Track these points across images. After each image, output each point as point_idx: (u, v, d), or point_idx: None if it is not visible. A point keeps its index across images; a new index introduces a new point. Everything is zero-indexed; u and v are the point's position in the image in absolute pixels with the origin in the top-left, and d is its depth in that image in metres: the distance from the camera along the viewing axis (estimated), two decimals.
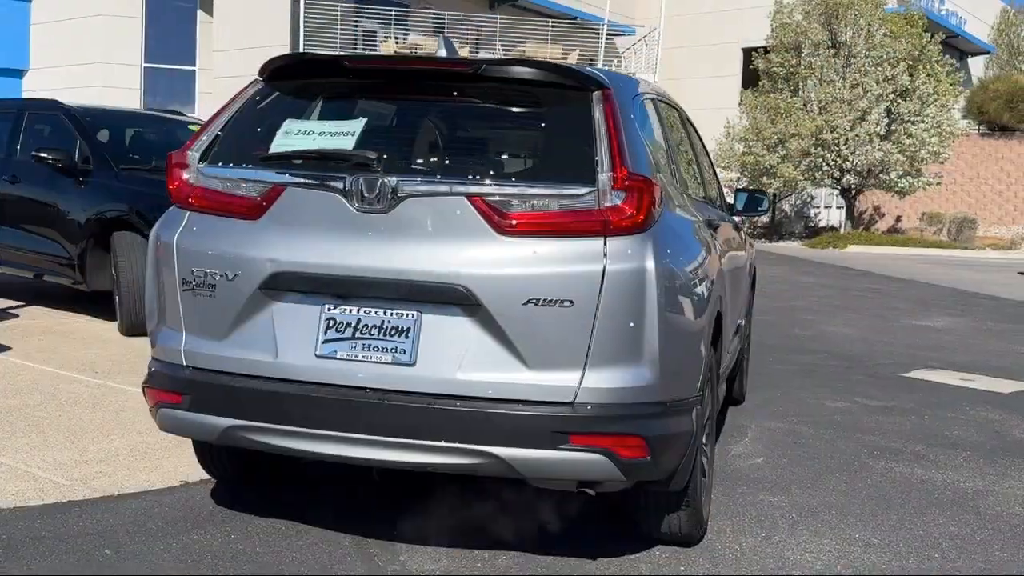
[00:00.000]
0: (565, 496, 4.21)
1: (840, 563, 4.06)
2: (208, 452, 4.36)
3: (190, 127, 9.99)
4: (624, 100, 3.72)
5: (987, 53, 42.79)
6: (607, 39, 30.22)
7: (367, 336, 3.48)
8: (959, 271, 21.08)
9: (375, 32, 30.10)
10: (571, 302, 3.34)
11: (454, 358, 3.40)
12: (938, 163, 30.60)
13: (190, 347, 3.70)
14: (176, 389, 3.71)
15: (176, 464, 4.88)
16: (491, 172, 3.51)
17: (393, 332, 3.46)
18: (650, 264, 3.39)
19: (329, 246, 3.51)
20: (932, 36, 29.56)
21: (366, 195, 3.47)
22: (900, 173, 29.43)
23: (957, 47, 39.50)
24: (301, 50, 25.98)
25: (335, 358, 3.50)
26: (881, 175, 29.77)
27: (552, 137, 3.60)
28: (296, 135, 3.71)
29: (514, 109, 3.70)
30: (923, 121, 29.48)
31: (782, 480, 5.16)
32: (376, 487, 4.58)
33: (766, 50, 30.55)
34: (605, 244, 3.39)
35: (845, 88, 29.38)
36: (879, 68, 29.17)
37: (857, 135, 29.11)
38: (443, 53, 4.01)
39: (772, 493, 4.93)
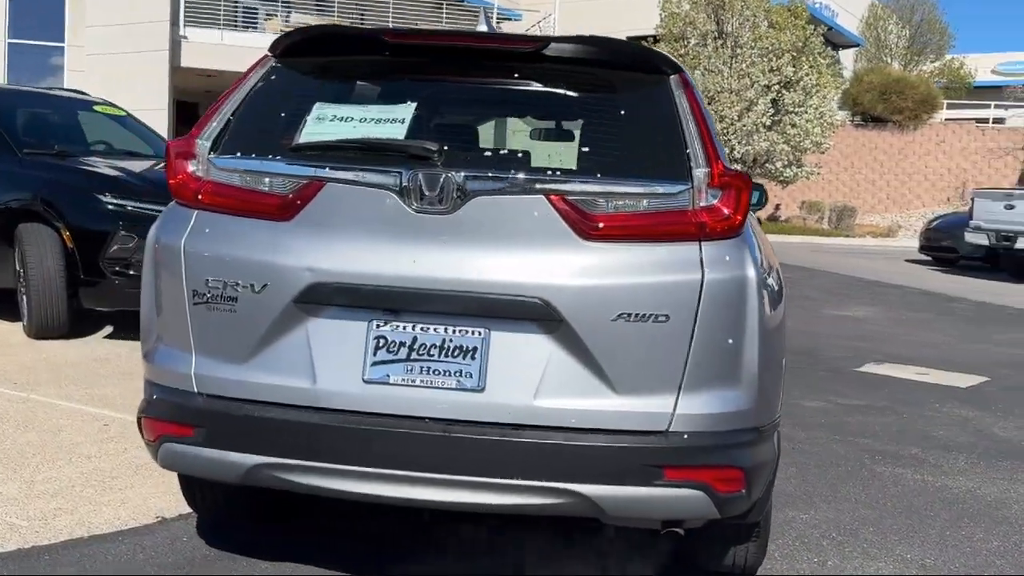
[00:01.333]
0: (602, 526, 3.79)
1: None
2: (197, 485, 3.77)
3: (96, 108, 9.14)
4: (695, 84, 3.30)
5: (857, 46, 44.01)
6: (496, 24, 29.79)
7: (425, 357, 2.97)
8: (849, 259, 21.51)
9: (256, 9, 28.96)
10: (666, 316, 2.91)
11: (530, 382, 2.93)
12: (819, 153, 31.26)
13: (202, 370, 3.12)
14: (187, 421, 3.13)
15: (143, 495, 4.26)
16: (570, 167, 3.03)
17: (457, 352, 2.96)
18: (751, 272, 2.99)
19: (379, 252, 2.98)
20: (815, 28, 30.14)
21: (427, 193, 2.95)
22: (785, 163, 29.92)
23: (831, 40, 40.57)
24: (182, 28, 24.77)
25: (387, 383, 2.98)
26: (767, 164, 30.21)
27: (630, 126, 3.14)
28: (331, 121, 3.16)
29: (584, 94, 3.23)
30: (806, 111, 30.02)
31: (803, 493, 4.85)
32: (384, 519, 4.06)
33: (655, 39, 30.61)
34: (701, 250, 2.96)
35: (732, 78, 29.67)
36: (765, 59, 29.54)
37: (744, 125, 29.45)
38: (483, 28, 3.50)
39: (800, 509, 4.61)
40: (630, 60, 3.16)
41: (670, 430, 2.94)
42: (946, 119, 38.88)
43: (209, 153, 3.17)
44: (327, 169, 3.02)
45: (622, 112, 3.15)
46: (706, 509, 3.00)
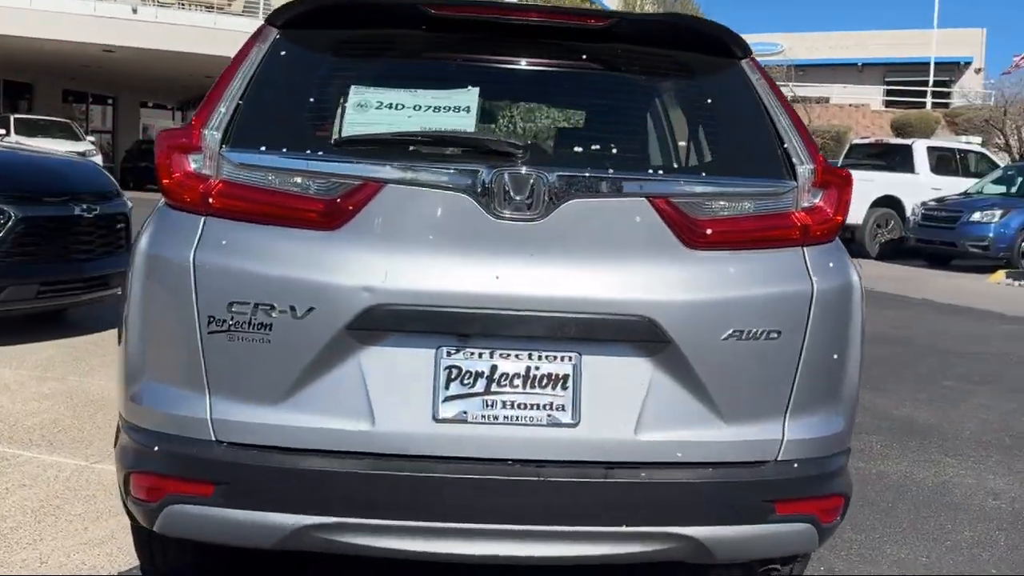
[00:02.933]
0: None
1: None
2: (159, 538, 3.13)
3: None
4: None
5: None
6: None
7: (508, 389, 2.52)
8: None
9: None
10: (778, 333, 2.60)
11: (629, 413, 2.55)
12: None
13: (223, 414, 2.54)
14: (205, 476, 2.53)
15: (63, 548, 3.56)
16: (671, 164, 2.64)
17: (545, 382, 2.53)
18: (855, 279, 2.73)
19: (453, 267, 2.50)
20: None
21: (514, 196, 2.49)
22: None
23: None
24: None
25: (464, 421, 2.51)
26: None
27: (717, 117, 2.79)
28: (377, 110, 2.62)
29: (660, 79, 2.85)
30: None
31: None
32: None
33: None
34: (805, 256, 2.67)
35: None
36: None
37: None
38: None
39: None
40: (709, 41, 2.80)
41: (779, 459, 2.64)
42: None
43: (221, 146, 2.56)
44: (387, 168, 2.50)
45: (708, 101, 2.81)
46: (810, 543, 2.73)
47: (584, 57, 2.78)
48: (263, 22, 2.81)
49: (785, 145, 2.69)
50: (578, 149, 2.69)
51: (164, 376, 2.59)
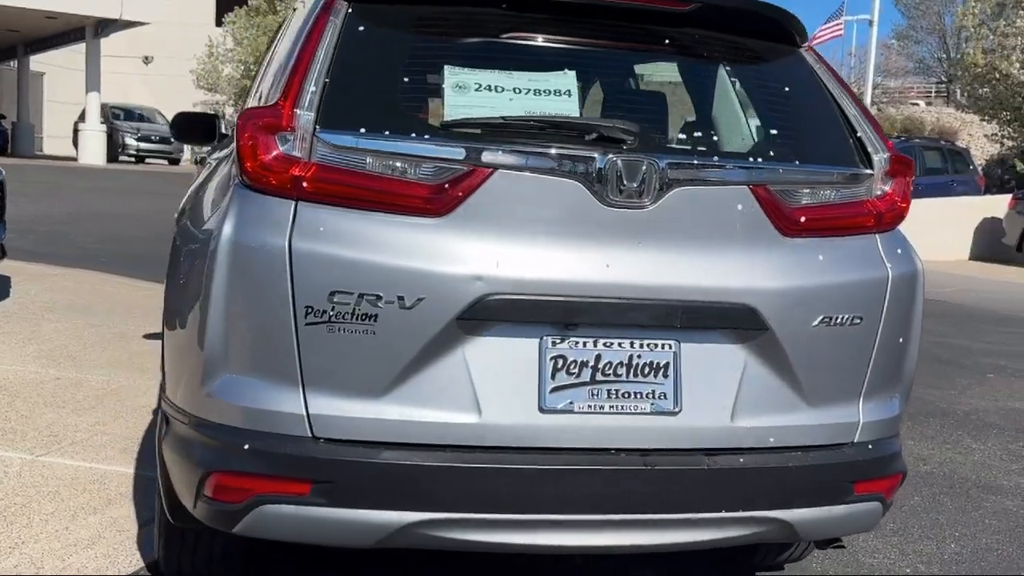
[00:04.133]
0: None
1: None
2: (191, 539, 2.96)
3: None
4: None
5: None
6: None
7: (612, 378, 2.49)
8: None
9: None
10: (860, 318, 2.66)
11: (726, 400, 2.56)
12: None
13: (321, 409, 2.39)
14: (301, 475, 2.39)
15: (44, 551, 3.30)
16: (766, 152, 2.64)
17: (647, 370, 2.51)
18: (919, 265, 2.82)
19: (564, 255, 2.43)
20: None
21: (625, 183, 2.44)
22: None
23: None
24: None
25: (571, 411, 2.46)
26: None
27: (792, 104, 2.81)
28: (477, 91, 2.51)
29: (736, 64, 2.84)
30: None
31: None
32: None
33: None
34: (878, 243, 2.74)
35: None
36: None
37: None
38: None
39: None
40: (778, 27, 2.81)
41: (856, 441, 2.72)
42: None
43: (315, 127, 2.40)
44: (499, 153, 2.40)
45: (782, 88, 2.83)
46: (876, 520, 2.84)
47: (667, 41, 2.75)
48: None
49: (858, 134, 2.75)
50: (681, 136, 2.66)
51: (252, 370, 2.42)
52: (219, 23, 36.47)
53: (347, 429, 2.40)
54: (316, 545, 2.72)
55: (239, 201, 2.46)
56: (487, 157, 2.40)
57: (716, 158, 2.54)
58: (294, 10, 3.70)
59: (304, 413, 2.40)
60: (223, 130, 4.95)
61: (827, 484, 2.66)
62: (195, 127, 4.63)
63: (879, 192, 2.74)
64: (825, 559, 3.70)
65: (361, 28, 2.56)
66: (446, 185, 2.40)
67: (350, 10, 2.58)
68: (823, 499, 2.66)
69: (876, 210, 2.73)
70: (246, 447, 2.41)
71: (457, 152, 2.40)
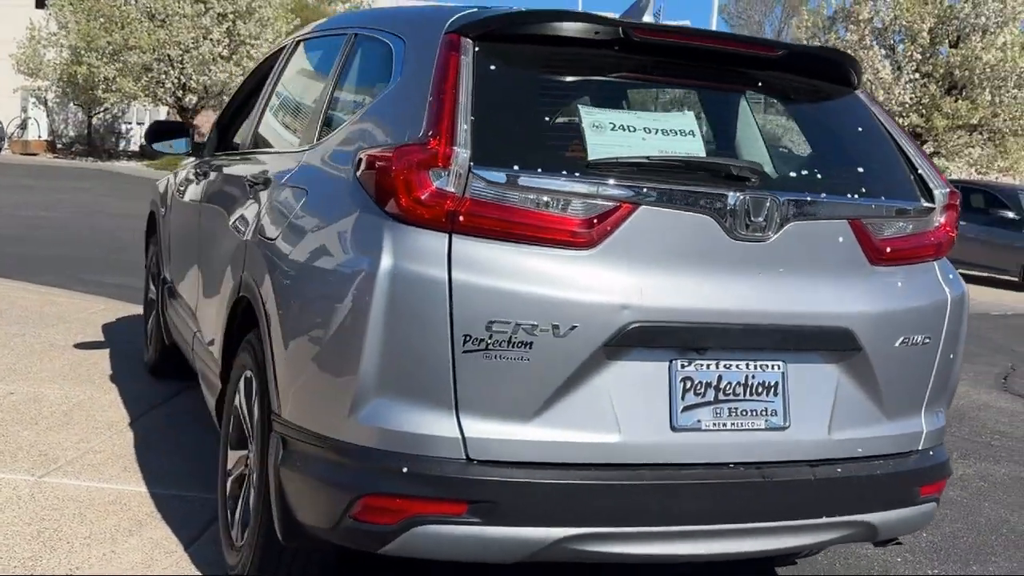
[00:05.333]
0: None
1: None
2: (293, 560, 2.99)
3: None
4: None
5: None
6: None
7: (732, 397, 2.70)
8: None
9: None
10: (929, 338, 2.97)
11: (824, 415, 2.82)
12: None
13: (475, 432, 2.50)
14: (458, 496, 2.49)
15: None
16: (858, 188, 2.89)
17: (760, 390, 2.73)
18: (966, 287, 3.14)
19: (695, 284, 2.63)
20: None
21: (752, 218, 2.65)
22: None
23: None
24: None
25: (699, 429, 2.66)
26: (224, 96, 29.43)
27: (860, 142, 3.06)
28: (612, 131, 2.65)
29: (811, 104, 3.09)
30: (263, 45, 29.71)
31: None
32: None
33: None
34: (936, 269, 3.05)
35: (187, 3, 28.28)
36: None
37: (200, 53, 28.33)
38: (650, 19, 3.12)
39: None
40: (844, 71, 3.07)
41: (920, 448, 3.01)
42: None
43: (470, 164, 2.50)
44: (643, 190, 2.57)
45: (857, 128, 3.08)
46: (931, 519, 3.14)
47: (760, 84, 2.97)
48: (447, 31, 2.73)
49: (919, 171, 3.04)
50: (791, 173, 2.87)
51: (407, 396, 2.51)
52: (41, 4, 34.74)
53: (499, 451, 2.52)
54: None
55: (393, 234, 2.52)
56: (632, 194, 2.56)
57: (823, 194, 2.78)
58: (294, 43, 3.75)
59: (459, 436, 2.50)
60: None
61: (902, 488, 2.95)
62: (171, 136, 4.63)
63: (937, 223, 3.04)
64: (829, 555, 4.01)
65: (492, 67, 2.67)
66: (595, 219, 2.55)
67: (477, 49, 2.69)
68: (899, 502, 2.94)
69: (937, 240, 3.03)
70: (404, 470, 2.49)
71: (606, 189, 2.55)
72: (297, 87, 4.00)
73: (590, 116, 2.68)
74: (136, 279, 9.44)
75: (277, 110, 4.09)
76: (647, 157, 2.63)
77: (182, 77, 28.26)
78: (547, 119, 2.71)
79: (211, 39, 28.27)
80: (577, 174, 2.55)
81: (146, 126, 4.92)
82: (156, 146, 4.96)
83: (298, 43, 4.14)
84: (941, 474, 3.08)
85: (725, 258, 2.66)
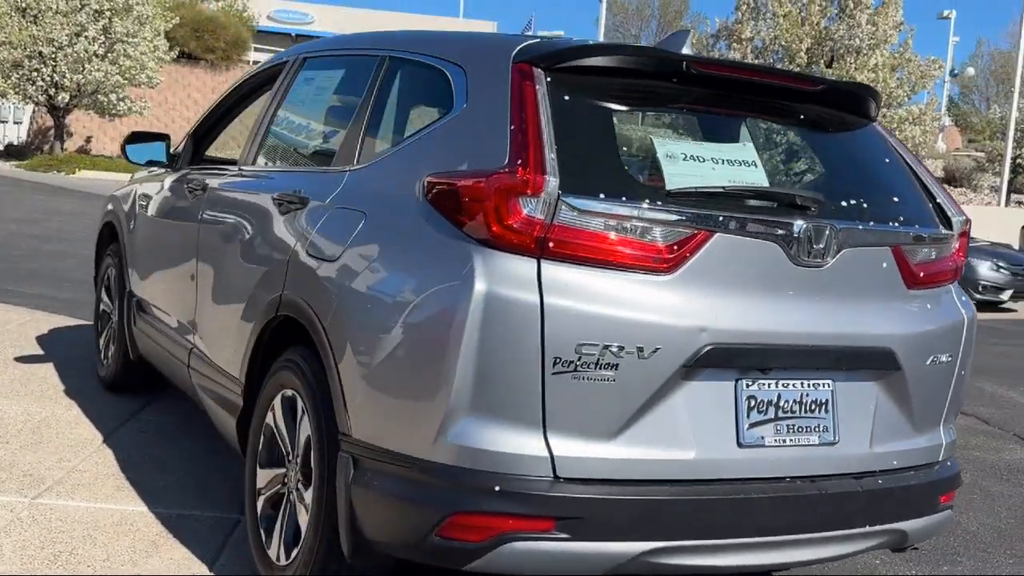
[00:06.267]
0: None
1: None
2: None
3: None
4: None
5: None
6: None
7: (789, 415, 2.85)
8: None
9: None
10: (951, 356, 3.18)
11: (866, 430, 2.99)
12: (150, 87, 30.36)
13: (562, 451, 2.58)
14: (546, 512, 2.56)
15: None
16: (896, 216, 3.07)
17: (813, 407, 2.89)
18: (975, 309, 3.37)
19: (762, 308, 2.76)
20: None
21: (814, 245, 2.81)
22: (120, 95, 28.52)
23: None
24: None
25: (762, 445, 2.80)
26: (98, 95, 28.49)
27: (886, 172, 3.25)
28: (684, 161, 2.76)
29: (838, 136, 3.26)
30: (140, 43, 28.89)
31: None
32: None
33: None
34: (953, 292, 3.28)
35: None
36: None
37: (75, 51, 27.37)
38: (688, 51, 3.24)
39: None
40: (868, 104, 3.27)
41: (940, 459, 3.23)
42: (253, 62, 40.07)
43: (559, 192, 2.59)
44: (720, 218, 2.70)
45: (885, 159, 3.26)
46: (947, 526, 3.35)
47: (802, 117, 3.14)
48: (516, 60, 2.81)
49: (938, 200, 3.26)
50: (842, 203, 3.03)
51: (496, 417, 2.57)
52: None
53: (585, 469, 2.61)
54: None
55: (485, 259, 2.58)
56: (709, 222, 2.69)
57: (871, 223, 2.96)
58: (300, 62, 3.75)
59: (548, 455, 2.58)
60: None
61: (928, 497, 3.15)
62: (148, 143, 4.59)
63: (953, 249, 3.26)
64: None
65: (564, 97, 2.76)
66: (675, 245, 2.66)
67: (548, 79, 2.77)
68: (926, 510, 3.14)
69: (954, 264, 3.25)
70: (496, 488, 2.55)
71: (686, 216, 2.67)
72: (315, 106, 3.99)
73: (663, 146, 2.80)
74: (54, 289, 9.20)
75: (291, 128, 4.07)
76: (722, 187, 2.76)
77: (55, 75, 27.20)
78: (623, 148, 2.82)
79: (87, 36, 27.31)
80: (659, 202, 2.66)
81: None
82: (131, 156, 4.87)
83: (304, 60, 4.12)
84: (956, 483, 3.29)
85: (787, 283, 2.81)
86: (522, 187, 2.58)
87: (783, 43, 23.78)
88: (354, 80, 3.69)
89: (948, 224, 3.23)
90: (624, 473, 2.65)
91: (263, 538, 3.34)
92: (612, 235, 2.62)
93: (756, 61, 24.21)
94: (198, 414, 5.26)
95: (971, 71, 54.18)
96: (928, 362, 3.08)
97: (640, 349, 2.60)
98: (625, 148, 2.84)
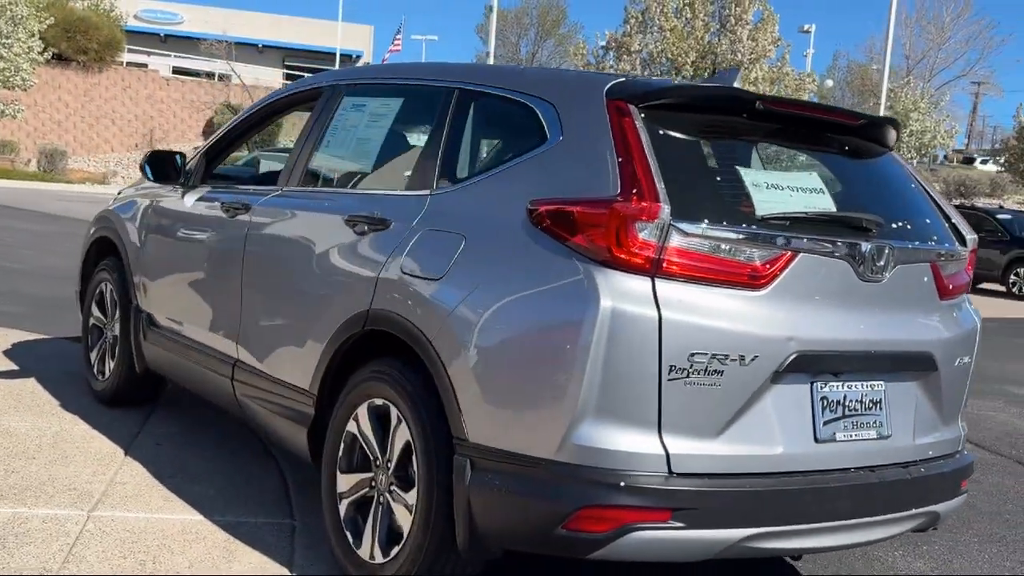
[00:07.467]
0: None
1: None
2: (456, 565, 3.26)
3: None
4: None
5: None
6: None
7: (852, 413, 3.24)
8: (100, 208, 21.08)
9: None
10: (968, 358, 3.63)
11: (909, 424, 3.40)
12: (23, 90, 29.39)
13: (675, 449, 2.90)
14: (664, 505, 2.87)
15: None
16: (931, 235, 3.49)
17: (871, 405, 3.29)
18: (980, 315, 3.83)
19: (836, 319, 3.15)
20: None
21: (876, 263, 3.20)
22: None
23: None
24: None
25: (834, 440, 3.18)
26: None
27: (910, 196, 3.67)
28: (768, 189, 3.11)
29: (870, 164, 3.65)
30: (13, 45, 27.94)
31: None
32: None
33: None
34: (966, 300, 3.72)
35: None
36: None
37: None
38: (738, 84, 3.60)
39: None
40: (893, 137, 3.69)
41: (960, 449, 3.67)
42: (127, 64, 39.11)
43: (671, 218, 2.91)
44: (804, 240, 3.06)
45: (910, 184, 3.69)
46: (960, 508, 3.79)
47: (846, 148, 3.53)
48: (611, 97, 3.12)
49: (953, 220, 3.70)
50: (893, 224, 3.42)
51: (619, 419, 2.88)
52: None
53: (694, 464, 2.94)
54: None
55: (607, 278, 2.88)
56: (795, 243, 3.05)
57: (917, 242, 3.37)
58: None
59: (664, 453, 2.90)
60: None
61: (954, 482, 3.58)
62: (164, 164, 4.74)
63: (966, 264, 3.71)
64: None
65: (659, 131, 3.08)
66: (768, 264, 3.01)
67: (643, 115, 3.09)
68: (952, 494, 3.58)
69: (968, 277, 3.70)
70: (622, 484, 2.86)
71: (777, 239, 3.02)
72: (371, 132, 4.18)
73: (748, 176, 3.15)
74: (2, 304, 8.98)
75: (346, 152, 4.26)
76: (804, 212, 3.13)
77: None
78: (716, 177, 3.15)
79: None
80: (754, 226, 3.01)
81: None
82: (150, 173, 4.98)
83: (349, 86, 4.31)
84: (971, 471, 3.74)
85: (854, 296, 3.20)
86: (640, 214, 2.88)
87: (669, 56, 24.73)
88: (418, 109, 3.93)
89: (963, 241, 3.67)
90: (726, 468, 2.98)
91: (350, 539, 3.54)
92: (716, 256, 2.96)
93: (645, 73, 24.99)
94: (202, 424, 5.42)
95: (829, 82, 56.76)
96: (956, 363, 3.52)
97: (742, 357, 2.95)
98: (718, 177, 3.17)
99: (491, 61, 31.05)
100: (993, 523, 5.22)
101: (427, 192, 3.56)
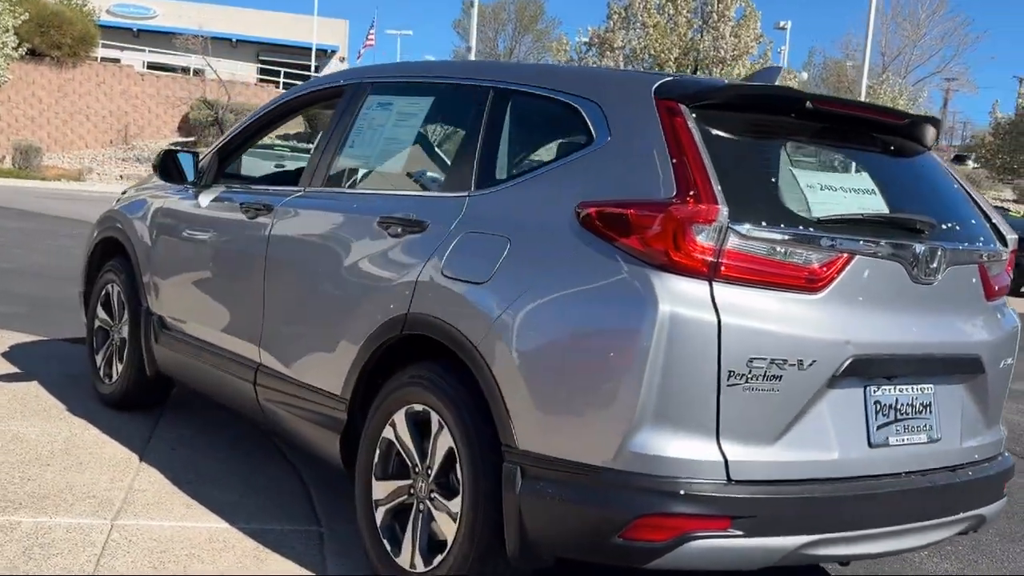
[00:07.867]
0: None
1: None
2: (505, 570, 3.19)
3: None
4: None
5: None
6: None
7: (904, 416, 3.19)
8: (79, 205, 20.92)
9: None
10: (1011, 360, 3.59)
11: (957, 427, 3.36)
12: None
13: (734, 456, 2.84)
14: (724, 512, 2.81)
15: None
16: (977, 236, 3.44)
17: (921, 408, 3.24)
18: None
19: (889, 322, 3.10)
20: None
21: (929, 265, 3.15)
22: None
23: None
24: None
25: (887, 445, 3.13)
26: None
27: (955, 194, 3.62)
28: (822, 191, 3.06)
29: (915, 163, 3.60)
30: None
31: None
32: None
33: None
34: (1006, 302, 3.69)
35: None
36: None
37: None
38: (805, 76, 3.53)
39: None
40: (933, 136, 3.65)
41: (1002, 452, 3.64)
42: (102, 59, 38.66)
43: (728, 221, 2.85)
44: (860, 243, 3.01)
45: (954, 185, 3.64)
46: (1002, 510, 3.76)
47: (891, 148, 3.48)
48: (660, 97, 3.05)
49: (993, 220, 3.66)
50: (942, 226, 3.36)
51: (676, 426, 2.82)
52: None
53: (752, 471, 2.88)
54: None
55: (664, 282, 2.82)
56: (852, 245, 3.00)
57: (967, 243, 3.33)
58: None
59: (722, 460, 2.84)
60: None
61: (998, 485, 3.55)
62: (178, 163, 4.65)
63: (1006, 264, 3.68)
64: None
65: (711, 132, 3.02)
66: (824, 267, 2.96)
67: (694, 115, 3.03)
68: (996, 496, 3.54)
69: (1009, 278, 3.66)
70: (681, 492, 2.80)
71: (834, 241, 2.97)
72: (401, 132, 4.08)
73: (803, 177, 3.10)
74: None
75: (374, 152, 4.16)
76: (860, 214, 3.08)
77: None
78: (769, 178, 3.08)
79: None
80: (811, 229, 2.96)
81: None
82: (162, 173, 4.88)
83: (373, 85, 4.21)
84: (1012, 473, 3.71)
85: (907, 299, 3.15)
86: (698, 216, 2.82)
87: (652, 52, 24.72)
88: (452, 109, 3.85)
89: (1004, 242, 3.63)
90: (784, 474, 2.93)
91: (387, 547, 3.46)
92: (774, 258, 2.90)
93: (630, 68, 24.98)
94: (214, 426, 5.32)
95: (804, 76, 57.05)
96: (1000, 365, 3.48)
97: (800, 362, 2.89)
98: (771, 178, 3.10)
99: (472, 57, 30.92)
100: (1011, 522, 5.21)
101: (465, 194, 3.48)
